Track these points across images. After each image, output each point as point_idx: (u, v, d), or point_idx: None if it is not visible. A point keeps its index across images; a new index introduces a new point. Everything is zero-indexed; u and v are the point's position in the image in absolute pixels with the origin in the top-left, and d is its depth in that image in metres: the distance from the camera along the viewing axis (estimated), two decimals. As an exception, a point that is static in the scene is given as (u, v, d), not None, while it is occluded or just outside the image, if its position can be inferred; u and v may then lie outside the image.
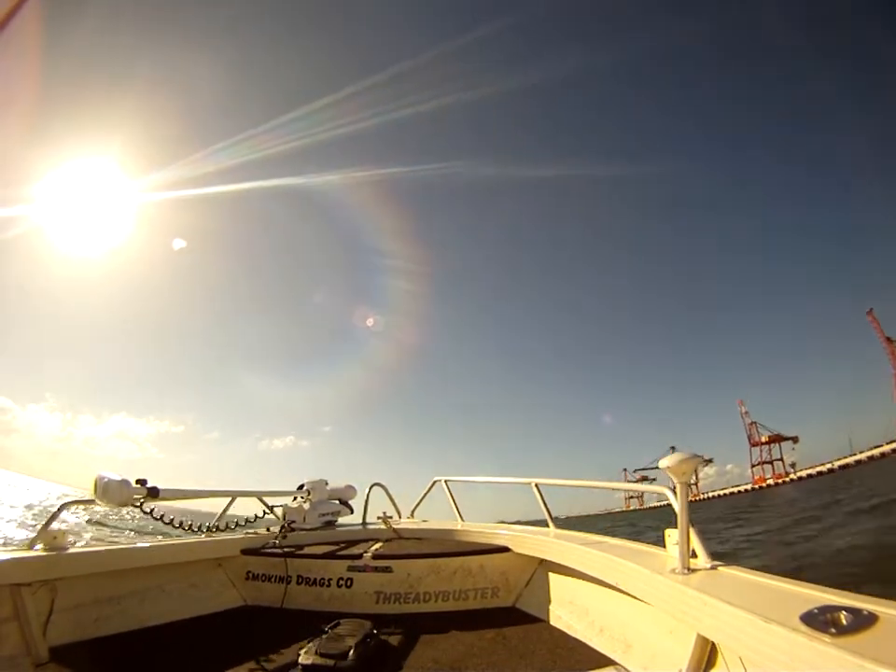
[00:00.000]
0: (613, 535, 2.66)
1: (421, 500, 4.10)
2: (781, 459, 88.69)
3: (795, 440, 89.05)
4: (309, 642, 2.15)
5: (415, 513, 4.11)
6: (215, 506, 3.48)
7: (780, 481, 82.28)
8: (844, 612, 1.06)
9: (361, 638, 2.17)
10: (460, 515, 3.70)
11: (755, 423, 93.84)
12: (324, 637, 2.19)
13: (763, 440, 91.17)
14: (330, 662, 2.00)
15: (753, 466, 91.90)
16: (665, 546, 1.94)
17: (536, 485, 3.09)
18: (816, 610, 1.10)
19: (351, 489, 4.28)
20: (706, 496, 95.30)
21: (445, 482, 3.81)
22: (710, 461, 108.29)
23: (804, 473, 79.49)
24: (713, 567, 1.65)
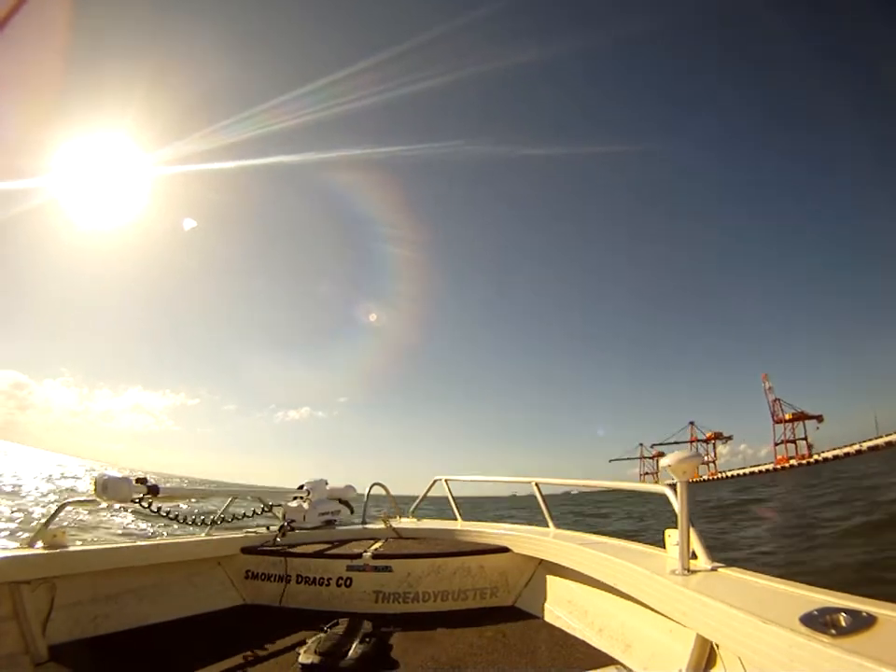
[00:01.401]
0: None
1: (421, 500, 4.10)
2: (805, 438, 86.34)
3: (820, 418, 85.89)
4: (308, 641, 2.16)
5: (415, 513, 4.10)
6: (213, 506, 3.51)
7: (805, 462, 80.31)
8: (843, 614, 1.07)
9: (360, 638, 2.19)
10: (460, 515, 3.70)
11: (779, 399, 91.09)
12: (323, 636, 2.20)
13: (787, 417, 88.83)
14: (330, 661, 2.01)
15: (776, 444, 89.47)
16: (665, 547, 1.93)
17: (536, 484, 3.07)
18: (815, 612, 1.11)
19: (351, 489, 4.26)
20: (723, 475, 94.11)
21: (445, 480, 3.81)
22: (730, 438, 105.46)
23: (829, 454, 77.22)
24: (713, 569, 1.64)
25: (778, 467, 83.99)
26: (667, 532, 1.89)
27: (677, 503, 1.70)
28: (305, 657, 2.05)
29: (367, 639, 2.21)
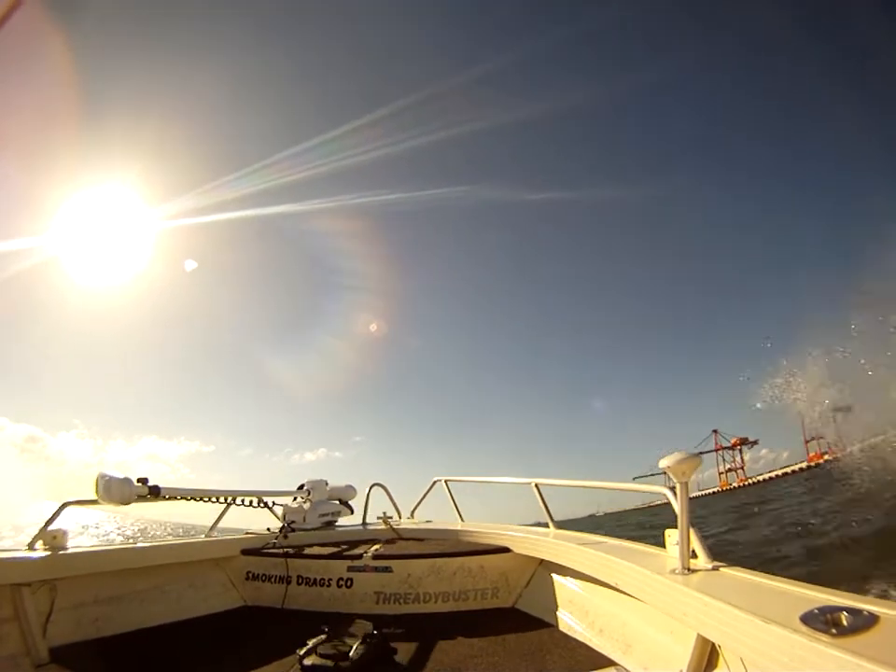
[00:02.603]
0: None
1: (421, 501, 4.09)
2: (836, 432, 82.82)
3: (849, 409, 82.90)
4: (309, 642, 2.15)
5: (415, 514, 4.10)
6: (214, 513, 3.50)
7: (841, 455, 76.75)
8: (844, 613, 1.06)
9: (361, 639, 2.18)
10: (460, 515, 3.69)
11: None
12: (324, 637, 2.20)
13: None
14: (330, 662, 2.01)
15: (808, 441, 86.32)
16: (665, 546, 1.93)
17: (536, 485, 3.06)
18: (816, 611, 1.10)
19: (351, 489, 4.28)
20: (754, 480, 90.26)
21: (445, 482, 3.81)
22: (756, 442, 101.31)
23: (866, 444, 73.83)
24: (714, 568, 1.65)
25: (812, 464, 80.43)
26: (667, 532, 1.90)
27: (676, 503, 1.70)
28: (306, 659, 2.05)
29: (368, 641, 2.20)
